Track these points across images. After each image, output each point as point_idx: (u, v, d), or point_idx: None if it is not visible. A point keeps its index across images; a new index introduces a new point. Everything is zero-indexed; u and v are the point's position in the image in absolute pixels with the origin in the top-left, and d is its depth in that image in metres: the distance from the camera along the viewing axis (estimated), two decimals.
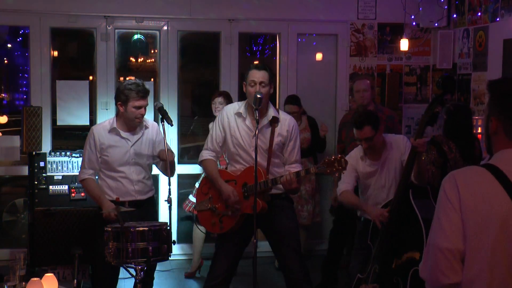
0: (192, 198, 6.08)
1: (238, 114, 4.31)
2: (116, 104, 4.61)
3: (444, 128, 4.88)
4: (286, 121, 4.34)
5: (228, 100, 5.98)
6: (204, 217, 4.41)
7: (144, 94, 4.50)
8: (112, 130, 4.58)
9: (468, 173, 2.14)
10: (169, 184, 4.33)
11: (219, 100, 5.96)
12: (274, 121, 4.27)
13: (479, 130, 5.85)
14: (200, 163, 4.48)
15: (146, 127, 4.66)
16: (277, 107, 5.16)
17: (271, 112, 4.28)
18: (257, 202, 4.05)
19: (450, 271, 2.08)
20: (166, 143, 4.46)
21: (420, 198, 4.20)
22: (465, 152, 4.76)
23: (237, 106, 4.39)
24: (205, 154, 4.40)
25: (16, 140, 6.02)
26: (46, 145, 6.20)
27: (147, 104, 4.58)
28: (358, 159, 4.59)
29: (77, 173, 5.70)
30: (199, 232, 6.18)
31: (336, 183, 5.93)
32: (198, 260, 6.26)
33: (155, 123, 4.70)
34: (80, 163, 5.74)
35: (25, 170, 5.91)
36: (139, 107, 4.49)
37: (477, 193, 2.07)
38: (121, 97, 4.52)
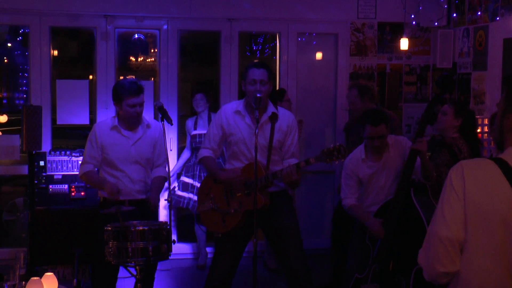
0: (180, 193, 6.19)
1: (237, 113, 4.32)
2: (113, 104, 4.61)
3: (461, 129, 4.84)
4: (286, 116, 4.37)
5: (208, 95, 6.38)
6: (206, 216, 4.40)
7: (136, 92, 4.46)
8: (113, 128, 4.58)
9: (476, 165, 2.13)
10: (169, 184, 4.34)
11: (199, 96, 6.31)
12: (274, 117, 4.28)
13: (479, 129, 5.84)
14: (199, 162, 4.49)
15: (149, 127, 4.65)
16: None
17: (270, 108, 4.29)
18: (259, 197, 4.06)
19: (447, 259, 2.08)
20: (165, 143, 4.47)
21: (420, 196, 4.21)
22: (473, 152, 4.77)
23: (235, 105, 4.39)
24: (204, 152, 4.41)
25: (16, 139, 6.02)
26: (46, 144, 6.20)
27: (143, 102, 4.54)
28: (359, 162, 4.57)
29: (77, 173, 5.71)
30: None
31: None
32: (206, 251, 6.46)
33: (160, 124, 4.61)
34: (80, 163, 5.76)
35: (25, 169, 5.91)
36: (133, 106, 4.47)
37: (482, 185, 2.06)
38: (115, 97, 4.52)
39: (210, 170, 4.37)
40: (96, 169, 4.66)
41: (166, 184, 4.59)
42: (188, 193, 6.22)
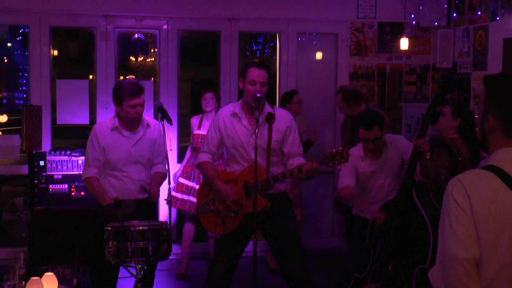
0: (176, 194, 6.07)
1: (234, 115, 4.30)
2: (114, 104, 4.61)
3: (460, 129, 4.84)
4: (283, 116, 4.34)
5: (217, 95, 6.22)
6: (206, 219, 4.39)
7: (137, 92, 4.46)
8: (114, 129, 4.57)
9: (474, 177, 2.07)
10: (169, 184, 4.34)
11: (209, 95, 6.12)
12: (270, 117, 4.27)
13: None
14: (198, 166, 4.47)
15: (148, 126, 4.65)
16: (277, 105, 5.17)
17: (266, 109, 4.28)
18: (260, 200, 4.05)
19: (469, 280, 2.02)
20: (165, 143, 4.47)
21: (422, 196, 4.21)
22: (472, 152, 4.77)
23: (231, 107, 4.38)
24: (202, 157, 4.39)
25: (16, 139, 6.02)
26: (46, 144, 6.20)
27: (144, 102, 4.54)
28: (358, 159, 4.59)
29: (77, 172, 5.72)
30: (187, 231, 6.20)
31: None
32: (187, 260, 6.30)
33: (158, 123, 4.62)
34: (80, 162, 5.76)
35: (25, 169, 5.91)
36: (134, 106, 4.47)
37: (486, 198, 2.01)
38: (116, 97, 4.51)
39: (207, 176, 4.35)
40: (100, 174, 4.63)
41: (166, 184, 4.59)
42: (183, 194, 6.11)
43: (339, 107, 6.09)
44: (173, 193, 6.06)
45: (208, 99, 6.12)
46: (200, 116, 6.28)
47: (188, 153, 6.35)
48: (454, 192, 2.05)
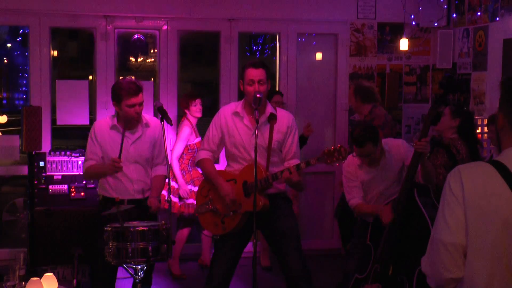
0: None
1: (236, 114, 4.30)
2: (112, 104, 4.59)
3: (459, 130, 4.84)
4: (285, 117, 4.35)
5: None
6: (205, 219, 4.39)
7: (135, 92, 4.43)
8: (113, 127, 4.56)
9: (473, 169, 2.13)
10: (169, 184, 4.34)
11: (199, 101, 6.14)
12: (272, 118, 4.27)
13: (479, 130, 5.84)
14: (197, 164, 4.46)
15: (147, 126, 4.63)
16: None
17: (269, 109, 4.28)
18: (260, 199, 4.05)
19: (453, 265, 2.08)
20: (165, 143, 4.46)
21: (423, 197, 4.21)
22: (472, 153, 4.77)
23: (233, 106, 4.38)
24: (202, 154, 4.39)
25: (16, 140, 6.02)
26: (46, 145, 6.19)
27: (142, 101, 4.52)
28: (356, 167, 4.55)
29: (77, 173, 5.73)
30: (180, 232, 6.19)
31: (339, 183, 5.93)
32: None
33: (159, 122, 4.57)
34: (80, 163, 5.77)
35: (25, 170, 5.91)
36: (132, 105, 4.45)
37: (481, 189, 2.06)
38: (114, 97, 4.50)
39: (208, 173, 4.34)
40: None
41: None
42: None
43: (350, 97, 6.23)
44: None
45: (198, 105, 6.14)
46: (187, 123, 6.15)
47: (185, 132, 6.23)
48: (451, 180, 2.12)
